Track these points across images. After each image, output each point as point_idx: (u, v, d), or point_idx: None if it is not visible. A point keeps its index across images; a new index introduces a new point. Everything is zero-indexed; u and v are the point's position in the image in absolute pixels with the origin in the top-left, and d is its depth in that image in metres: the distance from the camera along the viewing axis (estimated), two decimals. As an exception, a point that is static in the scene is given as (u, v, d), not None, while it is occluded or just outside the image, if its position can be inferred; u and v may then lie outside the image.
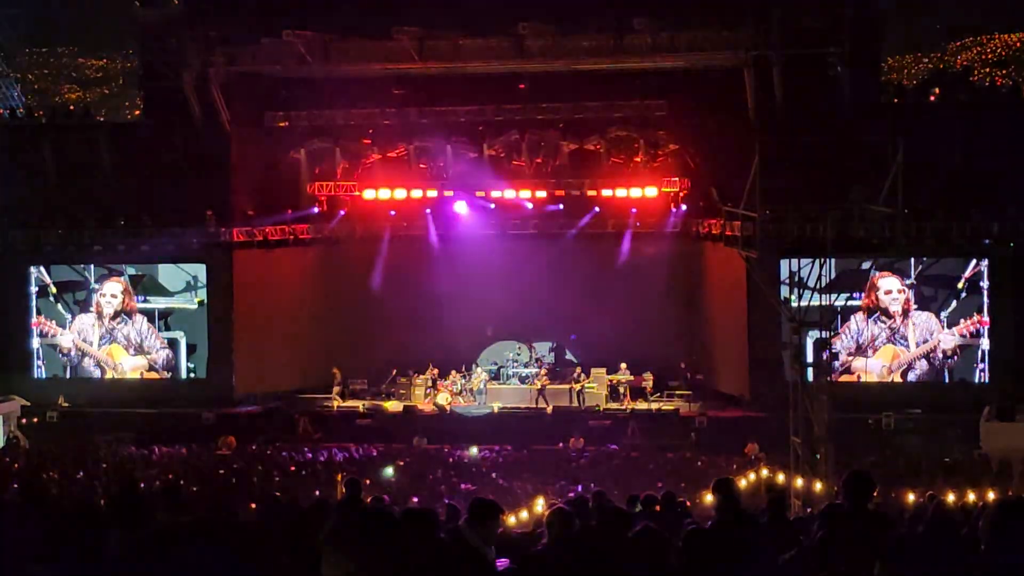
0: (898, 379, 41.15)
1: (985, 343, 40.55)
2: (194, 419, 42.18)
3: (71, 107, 58.15)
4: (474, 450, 37.66)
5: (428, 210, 47.07)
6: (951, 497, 26.67)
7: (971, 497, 26.76)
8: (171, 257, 44.83)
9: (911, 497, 27.36)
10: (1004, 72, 73.36)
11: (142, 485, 26.76)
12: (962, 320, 40.60)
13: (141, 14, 45.00)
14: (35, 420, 42.87)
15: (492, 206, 46.40)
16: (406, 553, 3.92)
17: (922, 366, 41.09)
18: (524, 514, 25.05)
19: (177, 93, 43.97)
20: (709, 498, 11.02)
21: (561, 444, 39.45)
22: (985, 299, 40.46)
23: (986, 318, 40.42)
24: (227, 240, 44.42)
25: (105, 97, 78.82)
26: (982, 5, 74.35)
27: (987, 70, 74.30)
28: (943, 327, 40.76)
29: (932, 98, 45.64)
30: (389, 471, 34.40)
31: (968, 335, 40.59)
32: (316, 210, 46.71)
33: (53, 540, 9.18)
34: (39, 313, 45.46)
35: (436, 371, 44.36)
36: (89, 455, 37.89)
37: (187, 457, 38.03)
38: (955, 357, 40.84)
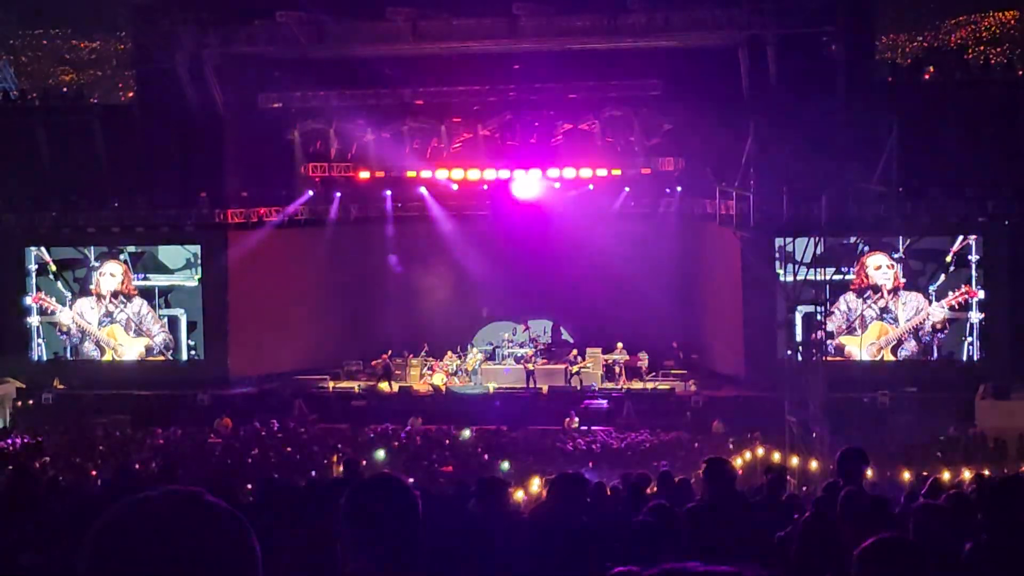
0: (888, 356, 41.20)
1: (974, 317, 40.62)
2: (190, 401, 42.15)
3: (64, 89, 58.05)
4: (467, 432, 37.66)
5: (422, 188, 47.05)
6: (946, 475, 26.75)
7: (966, 475, 26.83)
8: (165, 239, 44.78)
9: (906, 475, 27.45)
10: (998, 50, 73.34)
11: (137, 467, 26.87)
12: (950, 292, 40.68)
13: (134, -5, 44.89)
14: (30, 403, 42.82)
15: (485, 187, 46.47)
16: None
17: (911, 345, 41.18)
18: (520, 494, 25.09)
19: (171, 75, 43.85)
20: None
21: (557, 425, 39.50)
22: (973, 272, 40.54)
23: (975, 289, 40.48)
24: (221, 221, 44.40)
25: (99, 79, 78.70)
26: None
27: (981, 48, 74.28)
28: (931, 302, 40.84)
29: (927, 76, 45.61)
30: (381, 454, 34.48)
31: (957, 307, 40.65)
32: (311, 191, 46.60)
33: (46, 527, 9.06)
34: (39, 289, 45.37)
35: (425, 350, 44.43)
36: (84, 438, 37.95)
37: (183, 439, 38.05)
38: (944, 331, 40.89)
